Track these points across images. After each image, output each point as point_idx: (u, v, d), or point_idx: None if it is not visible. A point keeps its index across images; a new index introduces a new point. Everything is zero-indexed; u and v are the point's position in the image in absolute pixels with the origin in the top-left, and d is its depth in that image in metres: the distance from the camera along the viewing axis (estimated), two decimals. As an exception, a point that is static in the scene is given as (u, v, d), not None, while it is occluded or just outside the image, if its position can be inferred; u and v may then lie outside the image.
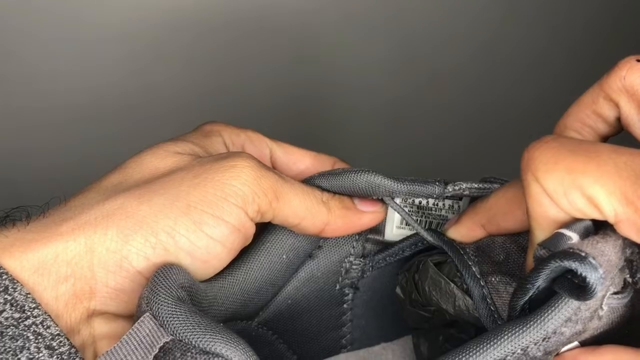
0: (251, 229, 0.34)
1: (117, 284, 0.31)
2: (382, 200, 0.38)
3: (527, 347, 0.29)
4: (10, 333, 0.27)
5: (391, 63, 0.73)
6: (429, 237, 0.38)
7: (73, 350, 0.28)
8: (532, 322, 0.29)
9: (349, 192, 0.37)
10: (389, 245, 0.40)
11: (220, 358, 0.28)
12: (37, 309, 0.28)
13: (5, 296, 0.28)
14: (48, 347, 0.28)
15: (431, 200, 0.39)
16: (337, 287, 0.40)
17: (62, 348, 0.28)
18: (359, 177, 0.36)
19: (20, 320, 0.28)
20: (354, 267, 0.40)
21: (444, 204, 0.39)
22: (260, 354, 0.39)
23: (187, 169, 0.33)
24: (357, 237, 0.39)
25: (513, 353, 0.29)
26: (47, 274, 0.30)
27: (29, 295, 0.29)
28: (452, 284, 0.36)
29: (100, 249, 0.31)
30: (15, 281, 0.28)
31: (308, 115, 0.74)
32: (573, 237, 0.28)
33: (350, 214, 0.37)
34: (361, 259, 0.40)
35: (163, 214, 0.31)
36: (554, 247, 0.28)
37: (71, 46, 0.65)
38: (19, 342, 0.27)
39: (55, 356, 0.28)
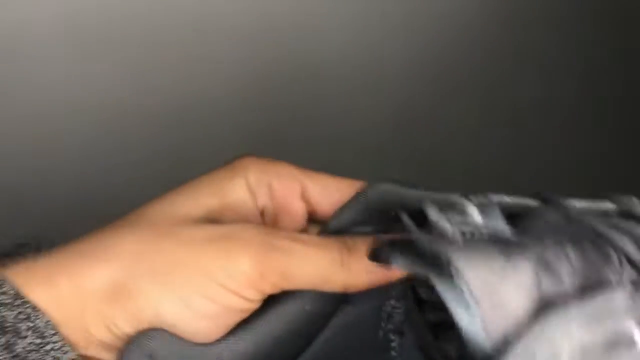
0: (252, 308, 0.32)
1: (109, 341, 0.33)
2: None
3: None
4: (32, 357, 0.30)
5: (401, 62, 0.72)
6: None
7: None
8: None
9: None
10: None
11: None
12: (56, 335, 0.31)
13: (28, 323, 0.31)
14: None
15: None
16: (381, 333, 0.36)
17: None
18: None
19: (40, 346, 0.31)
20: (397, 310, 0.35)
21: None
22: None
23: (183, 245, 0.32)
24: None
25: None
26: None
27: (48, 323, 0.31)
28: None
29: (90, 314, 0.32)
30: (36, 309, 0.31)
31: (309, 116, 0.74)
32: None
33: (376, 274, 0.33)
34: (404, 301, 0.35)
35: (148, 291, 0.32)
36: None
37: (71, 47, 0.66)
38: None
39: None
